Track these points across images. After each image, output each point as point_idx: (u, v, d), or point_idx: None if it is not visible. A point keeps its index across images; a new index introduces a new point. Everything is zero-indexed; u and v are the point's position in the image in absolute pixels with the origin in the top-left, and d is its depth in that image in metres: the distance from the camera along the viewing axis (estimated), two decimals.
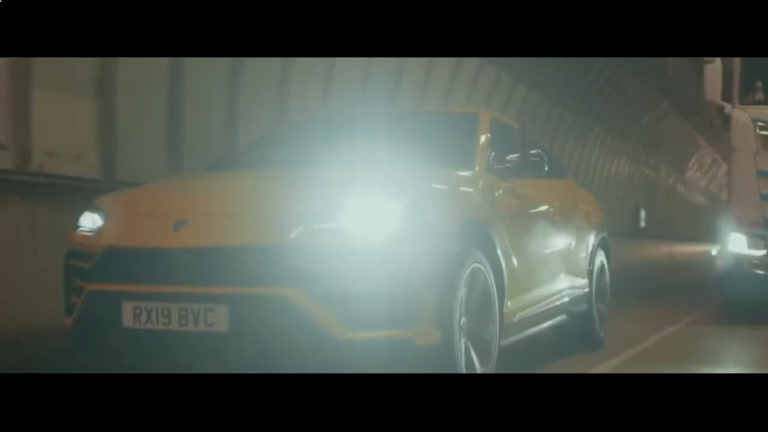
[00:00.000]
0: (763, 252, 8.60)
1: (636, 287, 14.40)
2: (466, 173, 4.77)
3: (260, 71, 8.71)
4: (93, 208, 4.35)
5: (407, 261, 3.83)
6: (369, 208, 3.89)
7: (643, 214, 24.20)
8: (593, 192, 17.16)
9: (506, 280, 4.65)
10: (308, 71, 9.35)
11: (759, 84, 8.74)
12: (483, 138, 5.13)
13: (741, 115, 8.76)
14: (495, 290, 4.47)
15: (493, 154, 5.06)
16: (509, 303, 4.72)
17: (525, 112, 14.71)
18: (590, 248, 6.57)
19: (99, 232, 4.19)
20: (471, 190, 4.67)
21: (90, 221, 4.28)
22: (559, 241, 5.95)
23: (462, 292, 4.07)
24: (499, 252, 4.58)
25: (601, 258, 6.81)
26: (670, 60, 10.62)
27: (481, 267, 4.32)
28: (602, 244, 6.85)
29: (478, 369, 4.23)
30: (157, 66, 7.54)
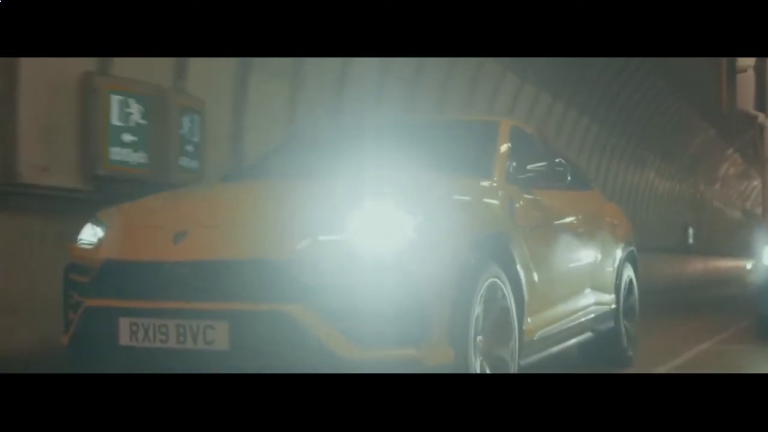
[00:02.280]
0: None
1: (677, 299, 14.46)
2: (483, 183, 4.55)
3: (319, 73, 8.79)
4: (94, 220, 4.19)
5: (418, 275, 3.61)
6: (378, 219, 3.66)
7: (691, 231, 26.74)
8: (650, 212, 19.55)
9: (526, 296, 4.42)
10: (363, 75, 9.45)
11: None
12: (503, 147, 4.91)
13: None
14: (514, 306, 4.24)
15: (514, 163, 4.83)
16: (529, 320, 4.48)
17: (592, 145, 16.71)
18: (617, 262, 6.31)
19: (98, 245, 4.01)
20: (489, 200, 4.45)
21: (90, 234, 4.11)
22: (584, 255, 5.70)
23: (477, 309, 3.84)
24: (518, 266, 4.35)
25: (628, 272, 6.54)
26: (725, 98, 10.66)
27: (499, 282, 4.10)
28: (630, 258, 6.59)
29: None
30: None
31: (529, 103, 14.11)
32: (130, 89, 6.73)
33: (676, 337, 8.76)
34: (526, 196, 4.77)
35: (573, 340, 5.43)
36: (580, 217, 5.70)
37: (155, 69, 6.94)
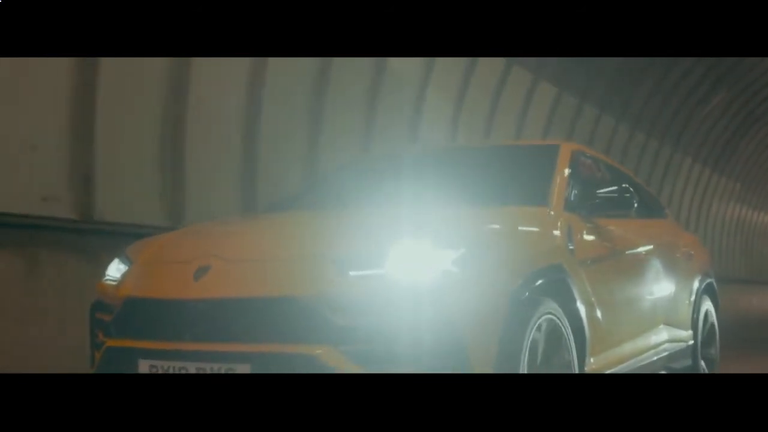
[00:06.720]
0: None
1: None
2: (538, 212, 4.18)
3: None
4: (122, 256, 3.95)
5: (460, 314, 3.26)
6: (414, 253, 3.32)
7: None
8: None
9: (588, 334, 4.02)
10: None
11: None
12: (562, 173, 4.52)
13: None
14: (573, 345, 3.86)
15: (575, 190, 4.45)
16: (592, 360, 4.09)
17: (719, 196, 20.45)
18: (693, 295, 5.85)
19: (121, 281, 3.77)
20: (543, 230, 4.07)
21: (115, 270, 3.87)
22: (656, 288, 5.26)
23: (529, 348, 3.47)
24: (578, 302, 3.97)
25: (707, 306, 6.07)
26: None
27: (555, 319, 3.72)
28: (708, 291, 6.11)
29: None
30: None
31: (665, 162, 16.39)
32: None
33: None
34: (588, 225, 4.39)
35: None
36: (651, 246, 5.27)
37: None
